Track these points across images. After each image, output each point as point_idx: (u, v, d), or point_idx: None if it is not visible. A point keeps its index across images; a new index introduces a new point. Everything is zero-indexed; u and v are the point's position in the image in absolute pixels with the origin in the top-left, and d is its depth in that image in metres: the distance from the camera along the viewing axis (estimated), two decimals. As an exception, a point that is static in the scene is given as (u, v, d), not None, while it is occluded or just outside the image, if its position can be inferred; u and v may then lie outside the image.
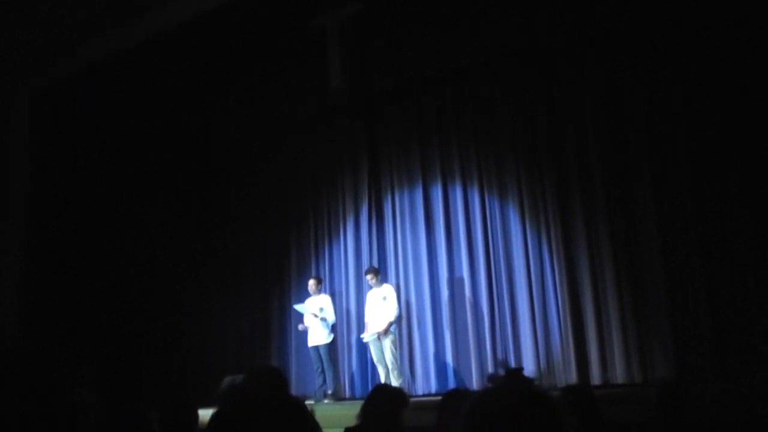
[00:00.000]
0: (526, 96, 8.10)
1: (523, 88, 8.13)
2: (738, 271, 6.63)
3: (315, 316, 8.23)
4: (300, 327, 8.44)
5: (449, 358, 8.25)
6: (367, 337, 7.98)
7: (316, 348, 8.23)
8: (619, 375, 7.18)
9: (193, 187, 10.12)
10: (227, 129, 9.62)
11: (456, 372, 8.18)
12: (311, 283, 8.54)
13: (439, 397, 3.70)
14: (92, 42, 9.45)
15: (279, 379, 2.86)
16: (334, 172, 9.44)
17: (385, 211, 9.01)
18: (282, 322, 9.43)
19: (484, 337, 8.04)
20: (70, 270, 9.83)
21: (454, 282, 8.37)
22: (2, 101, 9.40)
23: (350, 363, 8.82)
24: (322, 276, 9.06)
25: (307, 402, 7.47)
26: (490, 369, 7.93)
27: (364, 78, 8.49)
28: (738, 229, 6.67)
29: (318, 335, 8.25)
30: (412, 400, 6.87)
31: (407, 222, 8.79)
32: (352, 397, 8.44)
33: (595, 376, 7.28)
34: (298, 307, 8.43)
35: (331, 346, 8.36)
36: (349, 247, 9.16)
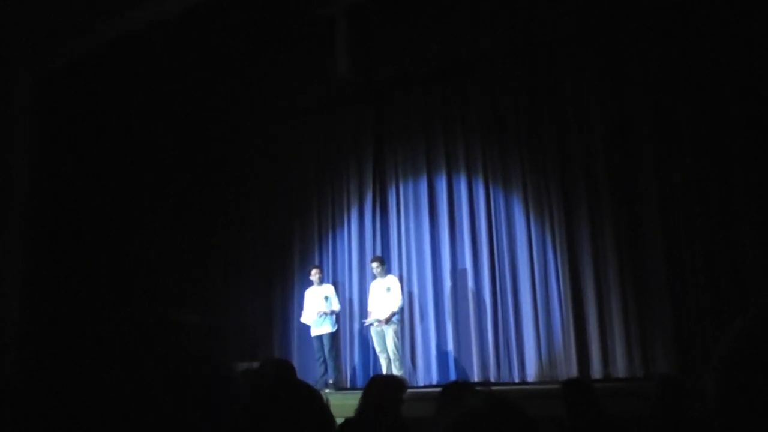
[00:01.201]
0: (532, 87, 8.07)
1: (529, 79, 8.11)
2: (741, 266, 6.61)
3: (325, 314, 8.20)
4: (303, 320, 8.40)
5: (451, 349, 8.26)
6: (369, 320, 7.98)
7: (320, 337, 8.23)
8: (620, 369, 7.19)
9: (198, 176, 10.10)
10: (232, 116, 9.60)
11: (457, 363, 8.20)
12: (314, 272, 8.53)
13: (440, 389, 3.70)
14: (96, 28, 9.39)
15: (288, 369, 2.86)
16: (339, 162, 9.43)
17: (389, 201, 9.01)
18: (285, 311, 9.44)
19: (486, 329, 8.05)
20: (72, 260, 9.79)
21: (457, 273, 8.37)
22: (2, 90, 9.35)
23: (352, 353, 8.83)
24: (324, 266, 9.06)
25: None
26: (492, 361, 7.95)
27: (370, 67, 8.46)
28: (741, 223, 6.66)
29: (323, 325, 8.26)
30: (413, 391, 6.89)
31: (411, 213, 8.79)
32: (353, 387, 8.46)
33: (597, 370, 7.29)
34: (305, 321, 8.38)
35: (334, 336, 8.37)
36: (352, 237, 9.16)
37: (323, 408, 1.26)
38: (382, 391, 3.31)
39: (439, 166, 8.68)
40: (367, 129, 9.28)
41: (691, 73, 6.99)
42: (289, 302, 9.40)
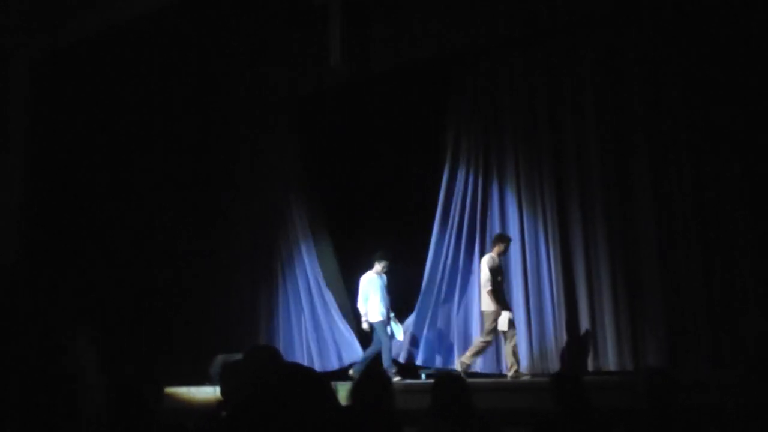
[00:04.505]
0: (528, 81, 8.06)
1: (524, 72, 8.09)
2: (732, 260, 6.65)
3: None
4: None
5: (440, 341, 8.24)
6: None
7: (371, 324, 8.00)
8: (610, 362, 7.21)
9: (190, 165, 10.01)
10: (224, 106, 9.55)
11: (447, 357, 8.19)
12: (385, 264, 8.07)
13: (431, 381, 3.72)
14: (86, 17, 9.29)
15: (275, 357, 2.85)
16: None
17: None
18: (271, 304, 9.33)
19: (474, 321, 8.05)
20: (65, 251, 9.70)
21: (448, 266, 8.33)
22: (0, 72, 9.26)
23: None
24: None
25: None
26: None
27: (364, 57, 8.43)
28: (733, 216, 6.69)
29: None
30: (407, 383, 6.91)
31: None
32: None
33: (587, 363, 7.32)
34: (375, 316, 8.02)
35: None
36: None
37: (321, 386, 1.24)
38: (373, 385, 3.32)
39: (432, 158, 8.66)
40: (360, 120, 9.23)
41: (689, 70, 7.00)
42: (275, 294, 9.31)
